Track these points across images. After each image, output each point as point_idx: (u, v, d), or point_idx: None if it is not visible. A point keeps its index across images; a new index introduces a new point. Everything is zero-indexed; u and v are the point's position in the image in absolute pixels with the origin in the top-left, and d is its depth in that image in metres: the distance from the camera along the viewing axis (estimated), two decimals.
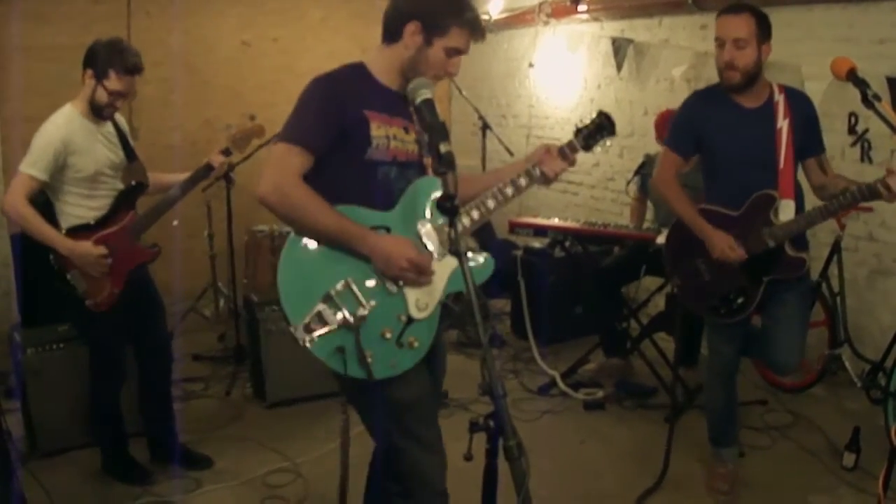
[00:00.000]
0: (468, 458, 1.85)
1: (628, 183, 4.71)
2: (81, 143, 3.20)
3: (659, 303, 5.01)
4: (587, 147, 2.50)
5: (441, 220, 2.24)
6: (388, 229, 2.22)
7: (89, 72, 3.20)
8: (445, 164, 1.86)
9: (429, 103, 2.05)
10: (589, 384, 4.68)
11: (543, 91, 6.79)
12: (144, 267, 3.55)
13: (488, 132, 5.71)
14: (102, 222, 3.35)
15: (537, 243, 5.52)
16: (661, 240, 4.18)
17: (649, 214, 5.01)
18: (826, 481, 3.55)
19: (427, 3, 2.24)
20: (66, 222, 3.29)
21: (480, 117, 5.72)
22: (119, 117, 3.49)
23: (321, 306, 2.13)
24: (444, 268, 2.26)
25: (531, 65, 6.74)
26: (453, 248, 1.79)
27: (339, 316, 2.14)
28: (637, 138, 5.83)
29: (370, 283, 2.19)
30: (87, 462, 3.71)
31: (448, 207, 1.82)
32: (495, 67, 7.42)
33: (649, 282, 4.80)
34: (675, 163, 3.32)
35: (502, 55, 7.29)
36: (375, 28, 2.37)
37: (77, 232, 3.28)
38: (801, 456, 3.81)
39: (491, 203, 2.35)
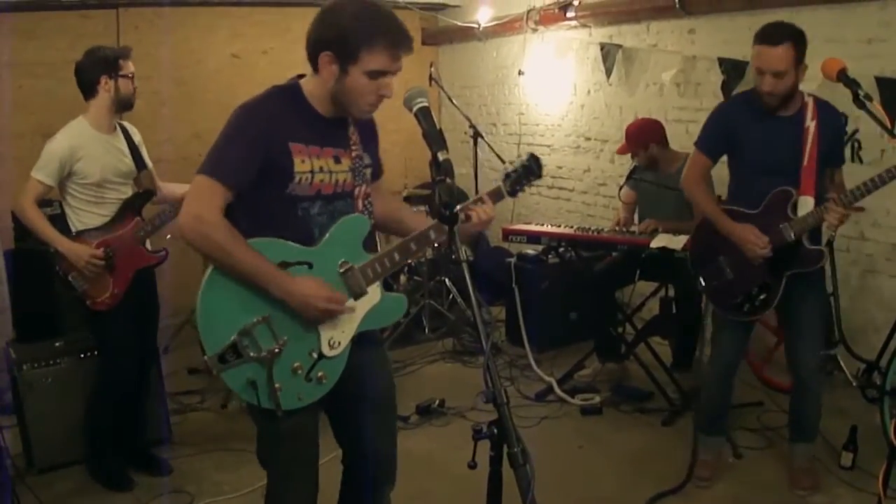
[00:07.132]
0: (473, 465, 1.84)
1: (620, 188, 4.72)
2: (89, 151, 3.41)
3: (653, 307, 5.02)
4: (513, 193, 2.44)
5: (362, 261, 2.25)
6: (309, 265, 2.20)
7: (103, 79, 3.41)
8: (444, 172, 1.86)
9: (425, 111, 2.01)
10: (586, 389, 4.68)
11: (533, 98, 6.80)
12: (151, 270, 3.68)
13: (480, 140, 5.71)
14: (107, 226, 3.50)
15: (531, 250, 5.52)
16: (655, 244, 4.20)
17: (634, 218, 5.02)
18: (823, 481, 3.55)
19: (333, 29, 2.11)
20: (76, 227, 3.48)
21: (472, 125, 5.72)
22: (132, 127, 3.68)
23: (237, 339, 2.12)
24: (360, 308, 2.28)
25: (520, 72, 6.75)
26: (461, 258, 1.80)
27: (254, 350, 2.14)
28: None
29: (287, 319, 2.18)
30: (83, 477, 3.70)
31: (446, 216, 1.83)
32: (484, 75, 7.43)
33: (643, 286, 4.81)
34: (704, 164, 3.40)
35: (491, 63, 7.30)
36: None
37: (82, 234, 3.47)
38: None
39: (397, 257, 2.31)
